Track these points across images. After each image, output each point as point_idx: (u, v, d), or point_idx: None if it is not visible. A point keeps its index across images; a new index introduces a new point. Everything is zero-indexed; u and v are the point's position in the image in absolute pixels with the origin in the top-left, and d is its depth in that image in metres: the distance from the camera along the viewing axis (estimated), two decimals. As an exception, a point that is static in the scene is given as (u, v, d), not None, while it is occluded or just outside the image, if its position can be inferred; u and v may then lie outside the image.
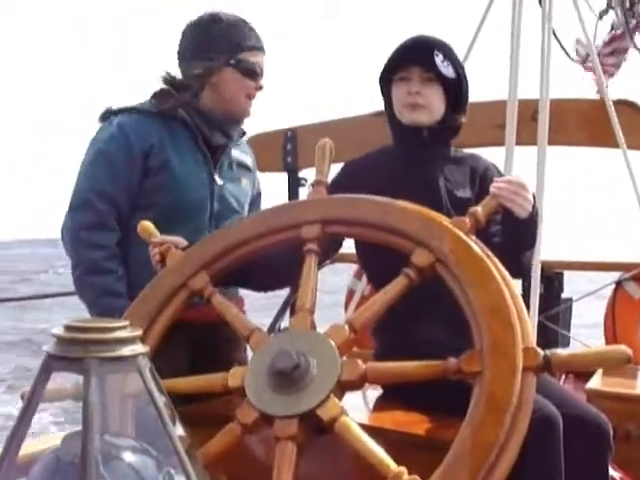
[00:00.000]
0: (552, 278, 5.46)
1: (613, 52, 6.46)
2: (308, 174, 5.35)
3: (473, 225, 2.36)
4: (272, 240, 2.55)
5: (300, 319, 2.34)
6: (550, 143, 4.32)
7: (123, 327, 1.36)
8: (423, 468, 1.99)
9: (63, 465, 1.35)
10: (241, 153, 3.24)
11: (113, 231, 2.96)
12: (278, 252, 2.59)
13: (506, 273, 2.27)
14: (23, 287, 31.39)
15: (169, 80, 3.06)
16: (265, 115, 3.12)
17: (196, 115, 3.03)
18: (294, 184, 5.50)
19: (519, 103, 4.33)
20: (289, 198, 5.38)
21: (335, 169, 2.80)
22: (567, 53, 5.66)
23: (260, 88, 3.09)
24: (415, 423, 2.50)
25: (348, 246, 2.87)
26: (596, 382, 3.60)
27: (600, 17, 6.50)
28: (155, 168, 2.97)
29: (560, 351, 2.12)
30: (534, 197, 2.54)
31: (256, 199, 3.32)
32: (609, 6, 6.47)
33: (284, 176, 5.53)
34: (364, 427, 2.14)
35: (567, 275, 5.67)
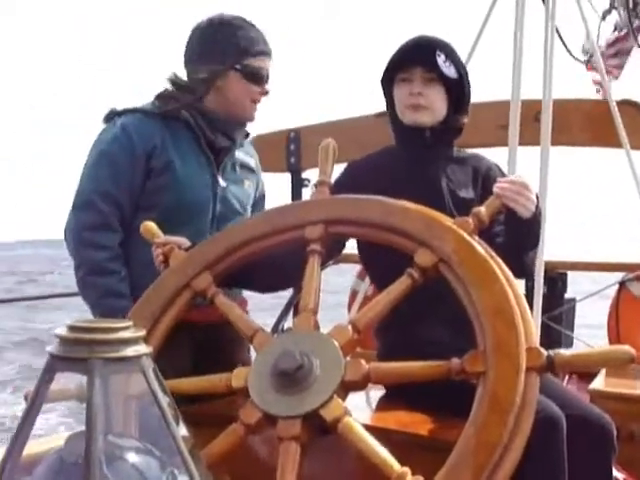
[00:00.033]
0: (555, 278, 5.47)
1: (617, 53, 6.46)
2: (311, 175, 5.36)
3: (476, 225, 2.36)
4: (276, 240, 2.55)
5: (303, 319, 2.34)
6: (553, 143, 4.32)
7: (127, 328, 1.37)
8: (427, 468, 1.99)
9: (67, 465, 1.35)
10: (245, 155, 3.24)
11: (116, 232, 2.96)
12: (282, 253, 2.59)
13: (509, 273, 2.27)
14: (29, 288, 31.49)
15: (175, 81, 3.06)
16: (265, 115, 3.12)
17: (199, 117, 3.03)
18: (297, 185, 5.50)
19: (522, 103, 4.32)
20: (292, 199, 5.38)
21: (338, 169, 2.80)
22: (570, 52, 5.67)
23: (265, 93, 3.09)
24: (418, 423, 2.50)
25: (351, 247, 2.87)
26: (599, 382, 3.60)
27: (603, 17, 6.50)
28: (158, 169, 2.98)
29: (563, 351, 2.12)
30: (537, 197, 2.54)
31: (259, 201, 3.32)
32: (612, 6, 6.47)
33: (287, 177, 5.54)
34: (367, 427, 2.14)
35: (570, 275, 5.67)
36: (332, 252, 2.69)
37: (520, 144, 4.30)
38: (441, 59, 2.78)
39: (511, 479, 2.00)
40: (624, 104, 4.83)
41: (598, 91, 6.21)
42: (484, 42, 5.05)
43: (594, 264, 6.26)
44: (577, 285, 6.15)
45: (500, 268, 2.25)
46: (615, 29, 6.65)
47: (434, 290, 2.34)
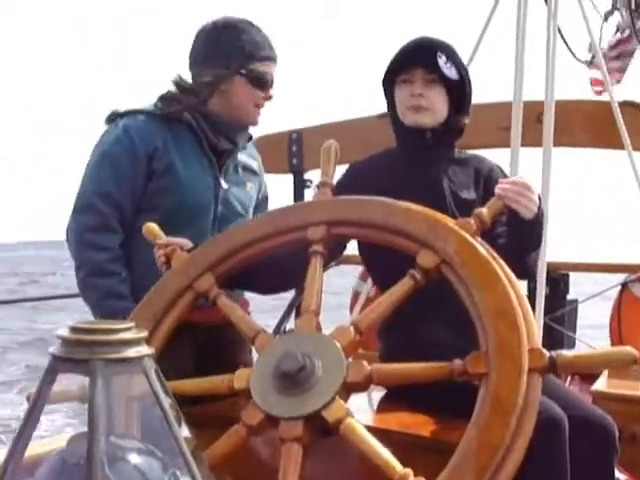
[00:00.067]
0: (558, 279, 5.47)
1: (619, 56, 6.45)
2: (313, 176, 5.35)
3: (478, 227, 2.36)
4: (278, 241, 2.55)
5: (305, 321, 2.34)
6: (555, 144, 4.32)
7: (128, 329, 1.37)
8: (429, 470, 1.99)
9: (69, 467, 1.35)
10: (248, 157, 3.23)
11: (117, 233, 2.97)
12: (284, 254, 2.59)
13: (512, 275, 2.27)
14: (32, 289, 31.56)
15: (179, 84, 3.06)
16: (265, 115, 3.12)
17: (202, 119, 3.02)
18: (299, 186, 5.50)
19: (524, 105, 4.32)
20: (294, 200, 5.38)
21: (340, 171, 2.80)
22: (573, 53, 5.66)
23: (269, 98, 3.09)
24: (421, 425, 2.50)
25: (353, 248, 2.87)
26: (602, 384, 3.59)
27: (605, 18, 6.49)
28: (159, 171, 2.98)
29: (566, 352, 2.12)
30: (539, 198, 2.54)
31: (262, 203, 3.32)
32: (614, 7, 6.47)
33: (289, 178, 5.54)
34: (369, 429, 2.14)
35: (573, 276, 5.67)
36: (334, 253, 2.69)
37: (522, 145, 4.30)
38: (442, 60, 2.77)
39: (513, 480, 2.00)
40: (626, 105, 4.83)
41: (600, 92, 6.20)
42: (486, 43, 5.05)
43: (596, 265, 6.26)
44: (579, 286, 6.15)
45: (502, 269, 2.25)
46: (617, 30, 6.64)
47: (436, 291, 2.34)
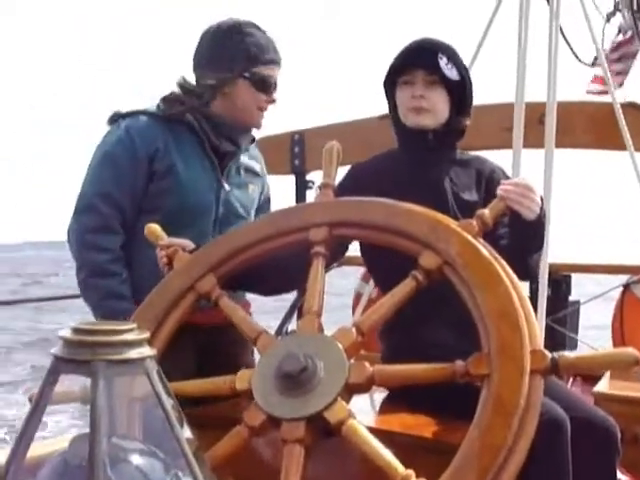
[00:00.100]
0: (560, 281, 5.47)
1: (620, 58, 6.43)
2: (315, 177, 5.36)
3: (481, 228, 2.36)
4: (280, 243, 2.55)
5: (307, 322, 2.34)
6: (557, 146, 4.32)
7: (131, 330, 1.37)
8: (431, 471, 1.99)
9: (71, 468, 1.35)
10: (250, 159, 3.23)
11: (117, 234, 2.97)
12: (286, 255, 2.59)
13: (514, 276, 2.27)
14: (35, 289, 31.61)
15: (182, 85, 3.06)
16: (266, 115, 3.12)
17: (204, 121, 3.02)
18: (301, 187, 5.51)
19: (526, 106, 4.32)
20: (296, 201, 5.39)
21: (342, 172, 2.80)
22: (575, 54, 5.66)
23: (273, 101, 3.09)
24: (423, 426, 2.50)
25: (355, 249, 2.87)
26: (604, 385, 3.59)
27: (608, 19, 6.48)
28: (160, 172, 2.98)
29: (568, 354, 2.11)
30: (541, 199, 2.54)
31: (265, 204, 3.32)
32: (616, 8, 6.46)
33: (291, 179, 5.54)
34: (371, 430, 2.14)
35: (575, 278, 5.67)
36: (336, 254, 2.69)
37: (524, 146, 4.30)
38: (443, 62, 2.77)
39: (515, 482, 2.00)
40: (628, 106, 4.83)
41: (599, 93, 6.18)
42: (488, 44, 5.05)
43: (598, 266, 6.26)
44: (581, 287, 6.15)
45: (504, 270, 2.25)
46: (619, 31, 6.64)
47: (438, 293, 2.34)
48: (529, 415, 2.03)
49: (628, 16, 6.30)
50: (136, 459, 1.37)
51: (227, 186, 3.08)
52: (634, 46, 6.48)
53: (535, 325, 2.18)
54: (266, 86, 3.03)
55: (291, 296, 4.74)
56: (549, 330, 4.84)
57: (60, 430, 7.74)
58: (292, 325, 4.84)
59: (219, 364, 2.73)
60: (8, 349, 18.84)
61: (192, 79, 3.08)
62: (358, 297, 5.94)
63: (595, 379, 3.76)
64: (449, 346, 2.50)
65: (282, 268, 2.64)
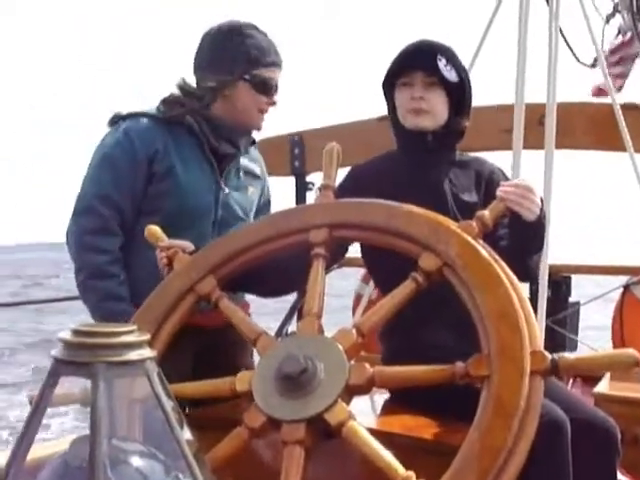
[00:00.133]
0: (560, 282, 5.47)
1: (620, 61, 6.43)
2: (315, 178, 5.36)
3: (481, 229, 2.36)
4: (280, 244, 2.55)
5: (307, 323, 2.34)
6: (557, 147, 4.32)
7: (131, 332, 1.36)
8: (431, 472, 1.99)
9: (71, 470, 1.35)
10: (250, 161, 3.23)
11: (116, 236, 2.97)
12: (286, 256, 2.60)
13: (514, 277, 2.27)
14: (36, 291, 31.63)
15: (183, 87, 3.06)
16: (266, 116, 3.12)
17: (204, 123, 3.02)
18: (301, 188, 5.51)
19: (526, 107, 4.32)
20: (296, 202, 5.39)
21: (342, 173, 2.80)
22: (575, 55, 5.66)
23: (273, 104, 3.09)
24: (423, 427, 2.50)
25: (355, 250, 2.87)
26: (604, 386, 3.59)
27: (607, 21, 6.49)
28: (159, 174, 2.98)
29: (568, 355, 2.12)
30: (541, 200, 2.54)
31: (265, 206, 3.32)
32: (616, 10, 6.46)
33: (291, 180, 5.54)
34: (372, 431, 2.14)
35: (575, 279, 5.67)
36: (336, 256, 2.69)
37: (524, 148, 4.30)
38: (442, 63, 2.78)
39: (516, 483, 2.00)
40: (628, 107, 4.83)
41: (594, 94, 6.18)
42: (488, 45, 5.05)
43: (598, 267, 6.26)
44: (581, 289, 6.15)
45: (504, 272, 2.25)
46: (619, 32, 6.64)
47: (438, 294, 2.34)
48: (529, 416, 2.03)
49: (628, 17, 6.30)
50: (136, 461, 1.37)
51: (226, 188, 3.08)
52: (634, 48, 6.48)
53: (535, 326, 2.18)
54: (267, 88, 3.03)
55: (291, 297, 4.74)
56: (549, 331, 4.84)
57: (63, 432, 7.74)
58: (292, 326, 4.84)
59: (218, 366, 2.73)
60: (12, 350, 18.85)
61: (192, 81, 3.08)
62: (358, 298, 5.94)
63: (595, 380, 3.77)
64: (449, 347, 2.51)
65: (282, 269, 2.64)
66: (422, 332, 2.66)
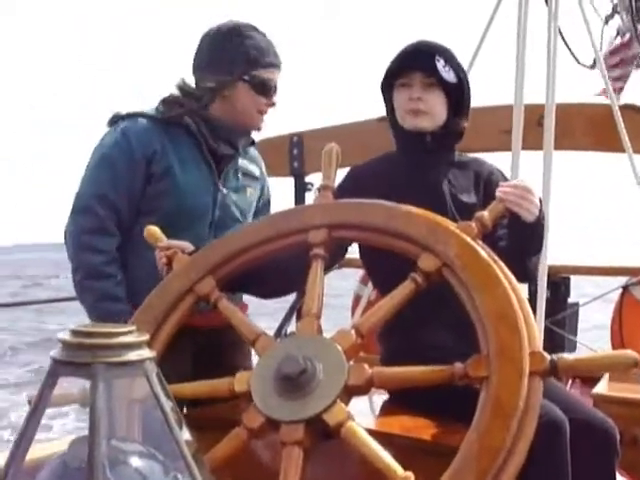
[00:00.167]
0: (559, 283, 5.47)
1: (619, 63, 6.43)
2: (314, 179, 5.36)
3: (480, 230, 2.36)
4: (279, 245, 2.55)
5: (307, 324, 2.34)
6: (556, 148, 4.32)
7: (130, 332, 1.36)
8: (430, 473, 1.99)
9: (70, 470, 1.35)
10: (249, 163, 3.23)
11: (113, 236, 2.97)
12: (285, 257, 2.60)
13: (513, 278, 2.27)
14: (37, 291, 31.67)
15: (182, 88, 3.06)
16: (265, 117, 3.12)
17: (203, 124, 3.02)
18: (300, 189, 5.51)
19: (525, 108, 4.32)
20: (295, 203, 5.39)
21: (341, 174, 2.80)
22: (574, 55, 5.66)
23: (273, 105, 3.08)
24: (422, 428, 2.50)
25: (355, 251, 2.87)
26: (603, 387, 3.60)
27: (606, 22, 6.49)
28: (157, 174, 2.98)
29: (567, 356, 2.12)
30: (540, 201, 2.54)
31: (264, 207, 3.31)
32: (615, 11, 6.47)
33: (290, 181, 5.54)
34: (371, 432, 2.14)
35: (573, 280, 5.67)
36: (335, 256, 2.69)
37: (523, 148, 4.30)
38: (440, 64, 2.78)
39: (514, 484, 2.00)
40: (627, 108, 4.83)
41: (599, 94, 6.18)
42: (487, 46, 5.05)
43: (597, 268, 6.26)
44: (580, 289, 6.16)
45: (503, 272, 2.25)
46: (618, 33, 6.64)
47: (437, 295, 2.34)
48: (528, 417, 2.03)
49: (626, 18, 6.31)
50: (135, 461, 1.37)
51: (224, 189, 3.08)
52: (633, 49, 6.48)
53: (534, 327, 2.18)
54: (266, 89, 3.03)
55: (290, 298, 4.74)
56: (548, 332, 4.84)
57: (66, 433, 7.74)
58: (291, 327, 4.84)
59: (217, 366, 2.73)
60: (13, 350, 18.85)
61: (192, 81, 3.08)
62: (357, 299, 5.94)
63: (594, 381, 3.77)
64: (448, 348, 2.51)
65: (281, 270, 2.64)
66: (421, 333, 2.66)
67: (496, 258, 2.30)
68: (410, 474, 2.00)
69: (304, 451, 2.10)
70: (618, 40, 6.59)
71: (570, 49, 5.54)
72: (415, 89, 2.79)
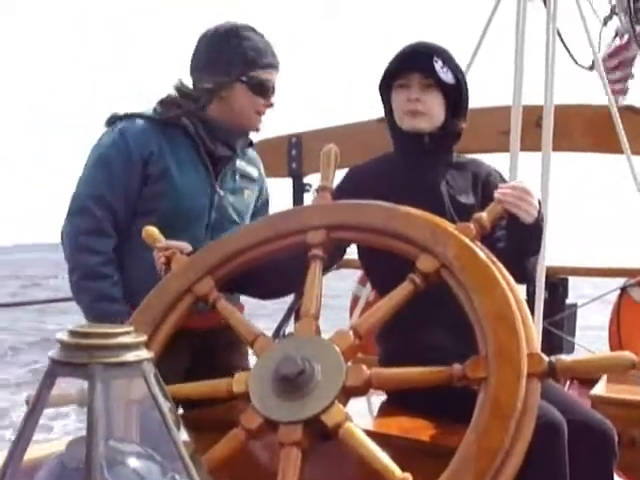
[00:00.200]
0: (557, 284, 5.47)
1: (618, 65, 6.42)
2: (313, 180, 5.36)
3: (478, 231, 2.36)
4: (278, 245, 2.54)
5: (305, 325, 2.34)
6: (554, 149, 4.32)
7: (128, 333, 1.36)
8: (428, 474, 1.99)
9: (68, 471, 1.35)
10: (247, 164, 3.22)
11: (110, 237, 2.97)
12: (284, 258, 2.59)
13: (511, 279, 2.27)
14: (36, 291, 31.67)
15: (179, 88, 3.05)
16: (264, 117, 3.12)
17: (200, 125, 3.02)
18: (299, 190, 5.51)
19: (523, 109, 4.32)
20: (294, 204, 5.39)
21: (340, 175, 2.80)
22: (572, 57, 5.66)
23: (271, 105, 3.08)
24: (420, 429, 2.50)
25: (353, 252, 2.87)
26: (601, 388, 3.60)
27: (604, 23, 6.49)
28: (154, 175, 2.98)
29: (565, 357, 2.12)
30: (539, 202, 2.54)
31: (262, 207, 3.31)
32: (613, 12, 6.46)
33: (289, 182, 5.54)
34: (369, 433, 2.14)
35: (572, 281, 5.67)
36: (334, 257, 2.69)
37: (521, 150, 4.30)
38: (438, 65, 2.78)
39: (512, 485, 2.00)
40: (625, 110, 4.84)
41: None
42: (486, 47, 5.05)
43: (595, 269, 6.27)
44: (578, 290, 6.16)
45: (501, 273, 2.25)
46: (616, 35, 6.64)
47: (436, 296, 2.34)
48: (526, 418, 2.03)
49: (625, 20, 6.30)
50: (133, 462, 1.36)
51: (221, 191, 3.08)
52: (631, 51, 6.48)
53: (532, 328, 2.18)
54: (264, 90, 3.03)
55: (289, 298, 4.74)
56: (546, 333, 4.83)
57: (66, 434, 7.75)
58: (289, 328, 4.84)
59: (215, 367, 2.73)
60: (14, 351, 18.85)
61: (189, 82, 3.08)
62: (355, 300, 5.94)
63: (592, 382, 3.77)
64: (446, 349, 2.51)
65: (280, 271, 2.64)
66: (419, 334, 2.66)
67: (494, 259, 2.30)
68: (408, 475, 2.00)
69: (302, 452, 2.10)
70: (617, 41, 6.59)
71: (568, 50, 5.53)
72: (413, 90, 2.79)
